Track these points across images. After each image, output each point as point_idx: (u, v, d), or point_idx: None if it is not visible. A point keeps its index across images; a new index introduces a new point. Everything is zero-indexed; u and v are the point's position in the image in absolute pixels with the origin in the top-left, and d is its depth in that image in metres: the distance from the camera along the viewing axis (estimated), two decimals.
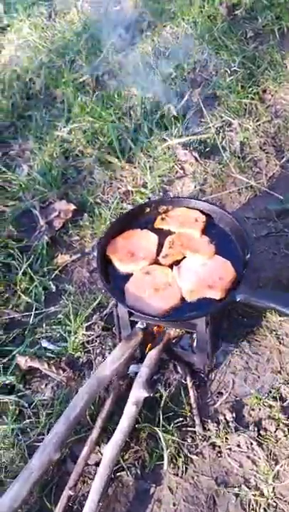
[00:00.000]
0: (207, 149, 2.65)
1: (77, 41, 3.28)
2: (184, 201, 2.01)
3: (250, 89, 2.89)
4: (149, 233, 1.90)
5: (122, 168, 2.61)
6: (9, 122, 2.94)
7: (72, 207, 2.45)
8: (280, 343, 1.94)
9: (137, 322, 1.83)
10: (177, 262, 1.81)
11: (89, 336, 2.01)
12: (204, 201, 2.06)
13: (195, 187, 2.51)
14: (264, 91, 2.93)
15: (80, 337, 2.00)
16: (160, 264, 1.82)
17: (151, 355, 1.82)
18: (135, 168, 2.61)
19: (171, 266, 1.81)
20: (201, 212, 1.96)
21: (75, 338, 2.00)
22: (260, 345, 1.95)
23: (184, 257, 1.83)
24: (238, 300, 1.67)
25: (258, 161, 2.60)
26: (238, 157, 2.60)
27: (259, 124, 2.74)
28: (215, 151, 2.65)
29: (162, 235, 1.90)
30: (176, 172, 2.58)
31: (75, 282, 2.25)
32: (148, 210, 1.98)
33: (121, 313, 1.80)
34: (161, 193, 2.49)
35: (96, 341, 2.00)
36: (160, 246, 1.87)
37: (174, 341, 1.89)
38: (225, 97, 2.88)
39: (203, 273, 1.76)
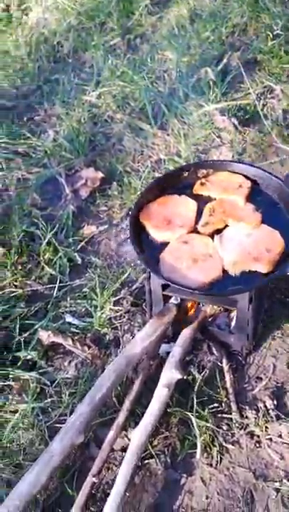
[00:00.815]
0: (247, 116, 2.45)
1: (108, 3, 3.09)
2: (227, 165, 1.81)
3: None
4: (188, 199, 1.72)
5: (154, 135, 2.43)
6: (35, 86, 2.78)
7: (100, 175, 2.28)
8: None
9: (170, 297, 1.67)
10: (218, 231, 1.63)
11: (116, 312, 1.86)
12: (249, 165, 1.85)
13: (233, 156, 2.31)
14: None
15: (107, 312, 1.85)
16: (199, 233, 1.64)
17: (185, 333, 1.65)
18: (168, 135, 2.42)
19: (211, 235, 1.63)
20: (246, 177, 1.76)
21: (102, 313, 1.85)
22: None
23: (226, 226, 1.65)
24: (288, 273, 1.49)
25: None
26: (281, 125, 2.39)
27: None
28: (255, 119, 2.44)
29: (202, 201, 1.72)
30: (213, 140, 2.39)
31: (102, 255, 2.09)
32: (186, 174, 1.79)
33: (154, 286, 1.64)
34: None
35: (124, 317, 1.85)
36: (199, 213, 1.68)
37: (210, 320, 1.73)
38: (266, 62, 2.67)
39: (248, 244, 1.58)
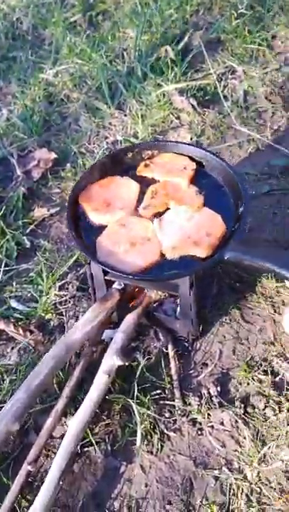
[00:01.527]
0: (207, 98, 2.39)
1: None
2: (172, 146, 1.74)
3: (258, 34, 2.60)
4: (130, 181, 1.66)
5: (111, 115, 2.36)
6: None
7: (53, 156, 2.21)
8: (275, 311, 1.73)
9: (113, 282, 1.62)
10: (160, 214, 1.58)
11: (62, 297, 1.80)
12: (195, 146, 1.80)
13: (191, 138, 2.25)
14: (273, 37, 2.65)
15: (52, 297, 1.80)
16: (140, 216, 1.59)
17: (129, 319, 1.61)
18: (126, 115, 2.35)
19: (152, 217, 1.58)
20: (191, 159, 1.70)
21: (47, 298, 1.80)
22: (252, 313, 1.74)
23: (168, 209, 1.59)
24: (226, 258, 1.44)
25: (262, 112, 2.34)
26: (241, 107, 2.34)
27: (266, 72, 2.47)
28: (215, 100, 2.38)
29: (145, 183, 1.65)
30: (171, 121, 2.32)
31: (51, 238, 2.03)
32: (130, 154, 1.72)
33: (95, 271, 1.58)
34: None
35: (69, 302, 1.80)
36: (142, 195, 1.62)
37: (155, 305, 1.69)
38: (230, 41, 2.60)
39: (188, 227, 1.52)
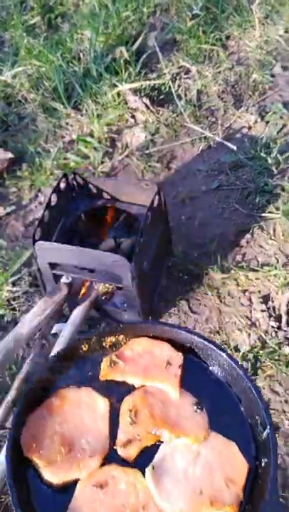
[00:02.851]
0: (161, 97, 2.45)
1: None
2: (146, 327, 1.18)
3: (212, 34, 2.66)
4: (94, 396, 1.09)
5: (68, 115, 2.41)
6: None
7: (10, 155, 2.25)
8: (221, 301, 1.80)
9: (61, 276, 1.68)
10: (148, 449, 1.03)
11: (14, 293, 1.85)
12: (180, 329, 1.18)
13: (146, 137, 2.31)
14: (227, 37, 2.71)
15: (5, 293, 1.85)
16: (119, 459, 1.01)
17: (77, 312, 1.66)
18: (82, 115, 2.40)
19: (136, 459, 1.01)
20: (173, 343, 1.15)
21: (0, 294, 1.85)
22: (199, 304, 1.81)
23: (158, 441, 1.03)
24: None
25: (214, 110, 2.40)
26: (194, 106, 2.40)
27: (219, 72, 2.54)
28: (169, 99, 2.44)
29: (115, 392, 1.09)
30: (127, 120, 2.38)
31: (7, 236, 2.07)
32: (86, 346, 1.15)
33: (42, 265, 1.64)
34: (108, 143, 2.30)
35: (22, 298, 1.85)
36: (114, 415, 1.06)
37: (104, 298, 1.74)
38: (184, 42, 2.66)
39: (196, 474, 1.00)
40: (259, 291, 1.80)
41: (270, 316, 1.73)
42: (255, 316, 1.75)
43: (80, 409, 1.07)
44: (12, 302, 1.84)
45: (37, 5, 2.89)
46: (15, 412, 1.06)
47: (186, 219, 2.04)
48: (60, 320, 1.75)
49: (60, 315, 1.74)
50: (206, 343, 1.14)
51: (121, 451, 1.02)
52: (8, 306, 1.83)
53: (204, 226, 2.01)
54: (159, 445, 1.03)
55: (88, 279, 1.67)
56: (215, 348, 1.13)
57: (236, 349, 1.67)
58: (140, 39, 2.60)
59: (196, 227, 2.01)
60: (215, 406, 1.08)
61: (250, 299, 1.79)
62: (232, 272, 1.85)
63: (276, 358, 1.64)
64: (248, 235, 1.95)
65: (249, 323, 1.73)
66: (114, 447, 1.03)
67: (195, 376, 1.13)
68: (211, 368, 1.14)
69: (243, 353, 1.65)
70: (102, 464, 1.01)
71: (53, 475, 0.99)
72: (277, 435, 1.51)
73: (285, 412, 1.56)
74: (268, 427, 1.01)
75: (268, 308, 1.75)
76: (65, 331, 1.62)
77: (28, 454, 1.01)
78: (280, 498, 1.20)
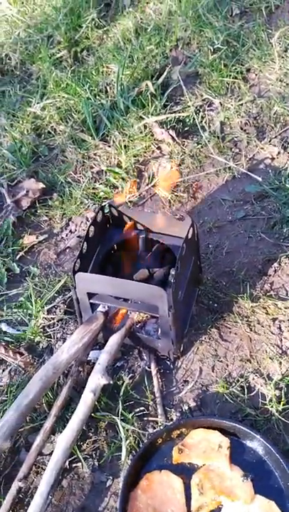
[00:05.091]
0: (186, 129, 2.53)
1: (57, 16, 3.14)
2: (200, 421, 1.61)
3: (234, 67, 2.76)
4: (171, 476, 1.52)
5: (96, 146, 2.49)
6: None
7: (41, 185, 2.33)
8: (251, 330, 1.84)
9: (98, 305, 1.73)
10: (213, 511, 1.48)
11: (50, 320, 1.90)
12: (223, 419, 1.60)
13: (171, 167, 2.39)
14: (248, 70, 2.81)
15: (41, 321, 1.90)
16: None
17: (113, 340, 1.71)
18: (109, 146, 2.49)
19: None
20: (222, 431, 1.58)
21: (36, 321, 1.90)
22: (230, 332, 1.85)
23: (220, 505, 1.48)
24: None
25: (238, 141, 2.48)
26: (218, 137, 2.48)
27: (241, 104, 2.62)
28: (193, 131, 2.53)
29: (185, 470, 1.54)
30: (153, 152, 2.46)
31: (40, 264, 2.14)
32: (160, 440, 1.58)
33: (80, 295, 1.69)
34: (135, 173, 2.38)
35: (57, 325, 1.90)
36: (187, 487, 1.51)
37: (138, 326, 1.79)
38: (207, 75, 2.76)
39: None
40: (288, 320, 1.84)
41: None
42: (286, 344, 1.78)
43: (163, 487, 1.52)
44: (47, 329, 1.89)
45: (63, 39, 3.00)
46: (120, 493, 1.49)
47: (214, 247, 2.10)
48: (95, 348, 1.81)
49: (95, 343, 1.79)
50: (244, 428, 1.56)
51: None
52: (44, 333, 1.88)
53: (232, 254, 2.06)
54: (221, 507, 1.48)
55: (125, 308, 1.72)
56: (251, 432, 1.55)
57: (269, 377, 1.71)
58: (165, 73, 2.69)
59: (223, 255, 2.06)
60: (256, 475, 1.51)
61: (279, 328, 1.83)
62: (261, 300, 1.90)
63: None
64: (275, 264, 2.00)
65: (280, 351, 1.77)
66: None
67: (240, 454, 1.56)
68: (250, 445, 1.57)
69: (276, 382, 1.69)
70: None
71: None
72: None
73: None
74: None
75: None
76: (101, 359, 1.67)
77: None
78: None
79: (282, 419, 1.61)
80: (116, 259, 1.86)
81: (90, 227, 1.71)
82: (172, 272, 1.60)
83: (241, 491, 1.48)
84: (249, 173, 2.32)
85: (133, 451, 1.60)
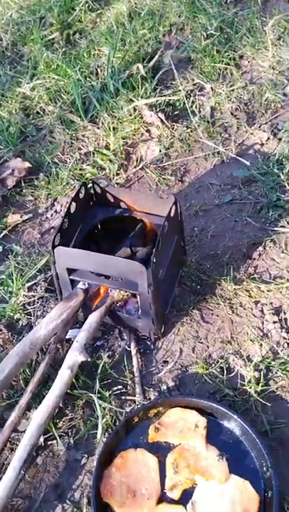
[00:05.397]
0: (176, 113, 2.50)
1: None
2: (178, 400, 1.59)
3: (227, 54, 2.73)
4: (146, 455, 1.50)
5: (84, 128, 2.47)
6: None
7: (27, 165, 2.31)
8: (233, 312, 1.83)
9: (78, 282, 1.71)
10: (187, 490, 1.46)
11: (30, 298, 1.88)
12: (201, 399, 1.59)
13: (160, 151, 2.37)
14: (241, 57, 2.78)
15: (21, 298, 1.88)
16: (168, 499, 1.44)
17: (91, 318, 1.69)
18: (98, 128, 2.46)
19: (180, 498, 1.44)
20: (199, 410, 1.56)
21: (16, 299, 1.88)
22: (212, 314, 1.83)
23: (194, 484, 1.46)
24: None
25: (228, 127, 2.46)
26: (208, 122, 2.45)
27: (232, 90, 2.60)
28: (183, 115, 2.50)
29: (161, 449, 1.52)
30: (142, 134, 2.44)
31: (24, 243, 2.12)
32: (136, 419, 1.56)
33: (60, 270, 1.67)
34: (123, 156, 2.35)
35: (38, 303, 1.88)
36: (162, 466, 1.49)
37: (118, 305, 1.77)
38: (199, 60, 2.73)
39: (223, 507, 1.40)
40: (271, 303, 1.83)
41: (281, 327, 1.75)
42: (267, 327, 1.77)
43: (138, 465, 1.50)
44: (27, 307, 1.87)
45: (56, 21, 2.97)
46: (94, 470, 1.48)
47: (199, 231, 2.08)
48: (75, 326, 1.79)
49: (74, 321, 1.77)
50: (222, 408, 1.55)
51: (169, 493, 1.45)
52: (24, 311, 1.86)
53: (217, 238, 2.04)
54: (195, 487, 1.46)
55: (105, 285, 1.70)
56: (229, 412, 1.54)
57: (249, 359, 1.70)
58: (156, 56, 2.67)
59: (208, 238, 2.05)
60: (232, 455, 1.50)
61: (262, 311, 1.81)
62: (244, 283, 1.88)
63: (288, 369, 1.66)
64: (260, 248, 1.98)
65: (261, 334, 1.76)
66: (164, 491, 1.46)
67: (216, 434, 1.55)
68: (227, 425, 1.55)
69: (255, 364, 1.67)
70: (157, 504, 1.43)
71: None
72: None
73: None
74: (271, 468, 1.42)
75: (280, 320, 1.77)
76: (79, 337, 1.65)
77: (105, 499, 1.44)
78: None
79: (261, 400, 1.59)
80: (98, 238, 1.84)
81: (71, 202, 1.69)
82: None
83: (216, 471, 1.46)
84: (238, 157, 2.30)
85: (109, 430, 1.58)
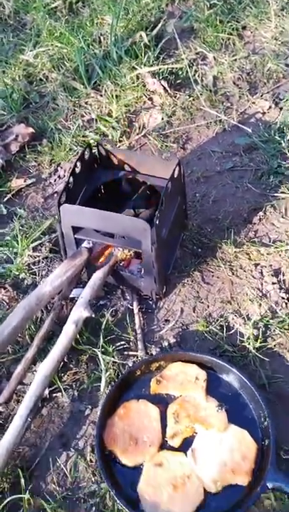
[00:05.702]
0: (178, 81, 2.52)
1: None
2: (179, 355, 1.65)
3: (229, 24, 2.73)
4: (148, 405, 1.56)
5: (87, 95, 2.48)
6: None
7: (31, 130, 2.33)
8: (233, 274, 1.87)
9: (83, 241, 1.75)
10: (188, 438, 1.52)
11: (35, 258, 1.92)
12: (201, 353, 1.65)
13: (162, 118, 2.39)
14: (244, 27, 2.79)
15: (26, 258, 1.92)
16: (169, 446, 1.50)
17: (96, 276, 1.74)
18: (101, 96, 2.48)
19: (180, 446, 1.50)
20: (200, 364, 1.61)
21: (21, 259, 1.91)
22: (212, 275, 1.88)
23: (194, 432, 1.52)
24: (269, 488, 1.38)
25: (230, 96, 2.48)
26: (210, 91, 2.47)
27: (235, 60, 2.61)
28: (186, 84, 2.52)
29: (162, 401, 1.58)
30: (144, 102, 2.45)
31: (27, 207, 2.15)
32: (139, 372, 1.62)
33: (65, 229, 1.71)
34: (126, 123, 2.37)
35: (42, 263, 1.92)
36: (163, 417, 1.54)
37: (122, 265, 1.81)
38: (202, 30, 2.74)
39: (221, 453, 1.46)
40: (270, 266, 1.87)
41: (280, 288, 1.80)
42: (266, 288, 1.82)
43: (140, 415, 1.56)
44: (32, 267, 1.91)
45: None
46: (98, 420, 1.54)
47: (201, 196, 2.11)
48: (79, 286, 1.83)
49: (78, 280, 1.81)
50: (221, 362, 1.61)
51: (170, 441, 1.51)
52: (29, 271, 1.90)
53: (218, 203, 2.08)
54: (195, 436, 1.52)
55: (109, 243, 1.74)
56: (228, 366, 1.60)
57: (248, 318, 1.75)
58: (160, 25, 2.67)
59: (210, 204, 2.08)
60: (231, 406, 1.56)
61: (261, 272, 1.86)
62: (244, 246, 1.92)
63: (286, 327, 1.71)
64: (260, 213, 2.02)
65: (260, 294, 1.81)
66: (165, 439, 1.52)
67: (216, 386, 1.61)
68: (226, 379, 1.61)
69: (254, 322, 1.73)
70: (158, 451, 1.49)
71: (127, 460, 1.49)
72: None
73: None
74: (268, 418, 1.49)
75: (279, 281, 1.82)
76: (84, 293, 1.69)
77: (109, 447, 1.50)
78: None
79: (259, 355, 1.65)
80: (102, 201, 1.88)
81: (76, 162, 1.72)
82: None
83: (215, 420, 1.52)
84: (240, 125, 2.32)
85: (112, 383, 1.64)
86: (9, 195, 2.16)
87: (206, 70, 2.58)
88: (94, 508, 1.44)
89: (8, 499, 1.44)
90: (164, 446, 1.51)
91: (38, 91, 2.54)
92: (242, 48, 2.66)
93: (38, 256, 1.92)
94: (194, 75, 2.54)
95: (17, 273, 1.89)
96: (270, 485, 1.38)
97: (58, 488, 1.49)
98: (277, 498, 1.41)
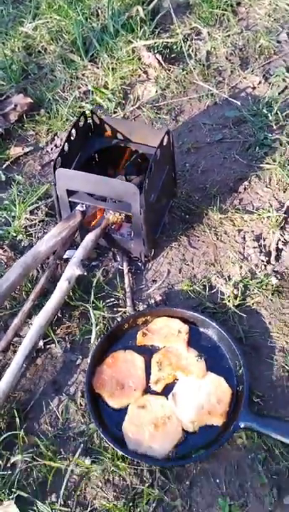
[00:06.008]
0: (172, 55, 2.60)
1: None
2: (164, 310, 1.78)
3: (224, 0, 2.81)
4: (134, 355, 1.70)
5: (84, 67, 2.57)
6: None
7: (29, 100, 2.42)
8: (217, 238, 1.99)
9: (77, 204, 1.86)
10: (169, 384, 1.66)
11: (32, 221, 2.04)
12: (184, 309, 1.77)
13: (156, 91, 2.48)
14: (238, 4, 2.85)
15: (23, 221, 2.03)
16: (152, 391, 1.64)
17: (88, 237, 1.85)
18: (98, 68, 2.56)
19: (163, 391, 1.65)
20: (183, 319, 1.75)
21: (19, 222, 2.03)
22: (198, 240, 2.00)
23: (176, 379, 1.66)
24: (241, 427, 1.52)
25: (222, 70, 2.56)
26: (203, 65, 2.56)
27: (228, 35, 2.69)
28: (180, 58, 2.60)
29: (147, 351, 1.72)
30: (139, 75, 2.54)
31: (25, 174, 2.25)
32: (127, 325, 1.75)
33: (60, 192, 1.82)
34: (121, 95, 2.46)
35: (39, 225, 2.04)
36: (148, 366, 1.69)
37: (113, 227, 1.93)
38: (197, 6, 2.81)
39: (199, 397, 1.61)
40: (252, 231, 1.99)
41: (260, 252, 1.93)
42: (248, 251, 1.94)
43: (126, 364, 1.70)
44: (29, 229, 2.03)
45: None
46: (88, 367, 1.68)
47: (190, 166, 2.22)
48: (72, 248, 1.95)
49: (72, 242, 1.93)
50: (202, 317, 1.75)
51: (153, 387, 1.66)
52: (26, 233, 2.02)
53: (206, 173, 2.19)
54: (176, 382, 1.67)
55: (101, 206, 1.85)
56: (208, 320, 1.74)
57: (229, 278, 1.87)
58: (156, 0, 2.74)
59: (198, 173, 2.19)
60: (210, 356, 1.70)
61: (244, 238, 1.98)
62: (229, 213, 2.04)
63: (264, 287, 1.84)
64: (246, 183, 2.14)
65: (242, 257, 1.93)
66: (149, 384, 1.66)
67: (197, 339, 1.75)
68: (207, 332, 1.75)
69: (235, 282, 1.85)
70: (142, 395, 1.64)
71: (113, 402, 1.63)
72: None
73: (268, 331, 1.76)
74: (243, 367, 1.63)
75: (260, 246, 1.94)
76: (77, 253, 1.82)
77: (98, 390, 1.65)
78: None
79: (238, 312, 1.78)
80: (96, 167, 1.98)
81: (71, 129, 1.82)
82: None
83: (195, 368, 1.66)
84: (230, 99, 2.41)
85: (102, 335, 1.77)
86: (8, 163, 2.27)
87: (200, 45, 2.66)
88: (82, 446, 1.58)
89: (4, 435, 1.59)
90: (147, 390, 1.65)
91: (37, 62, 2.62)
92: (236, 24, 2.74)
93: (35, 219, 2.04)
94: (188, 49, 2.62)
95: (15, 235, 2.01)
96: (242, 425, 1.52)
97: (50, 428, 1.63)
98: (248, 437, 1.55)
